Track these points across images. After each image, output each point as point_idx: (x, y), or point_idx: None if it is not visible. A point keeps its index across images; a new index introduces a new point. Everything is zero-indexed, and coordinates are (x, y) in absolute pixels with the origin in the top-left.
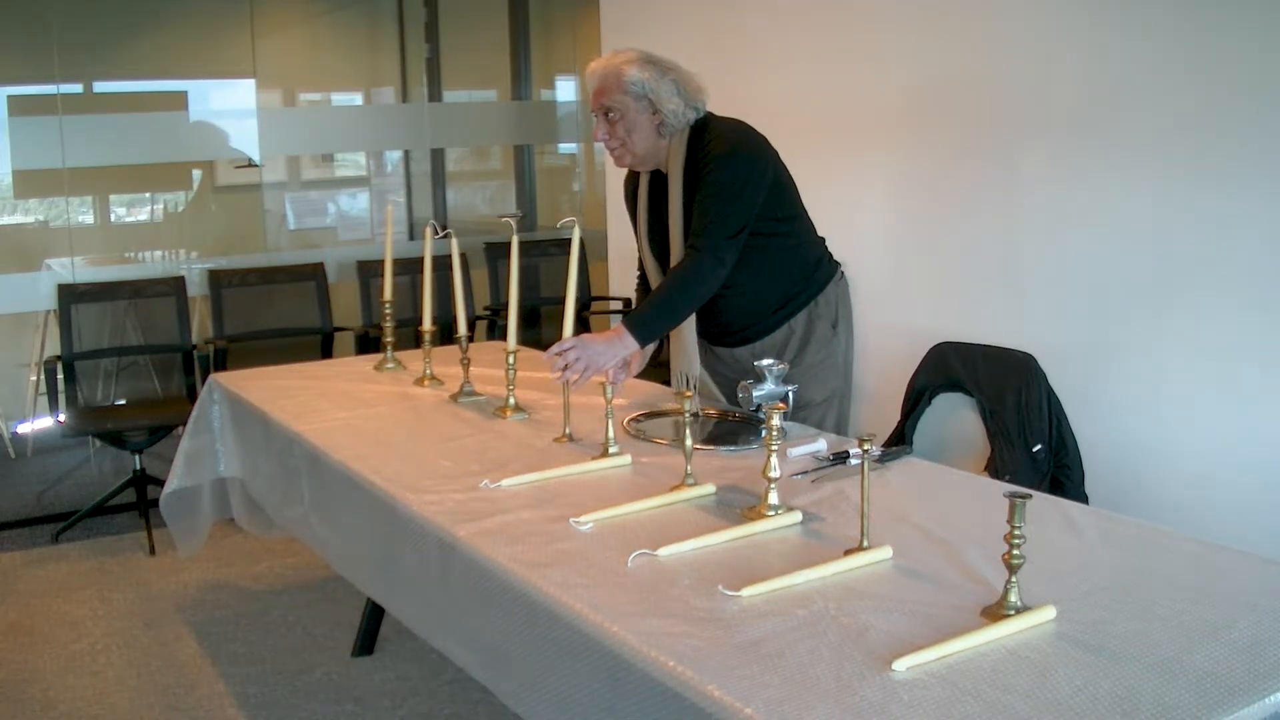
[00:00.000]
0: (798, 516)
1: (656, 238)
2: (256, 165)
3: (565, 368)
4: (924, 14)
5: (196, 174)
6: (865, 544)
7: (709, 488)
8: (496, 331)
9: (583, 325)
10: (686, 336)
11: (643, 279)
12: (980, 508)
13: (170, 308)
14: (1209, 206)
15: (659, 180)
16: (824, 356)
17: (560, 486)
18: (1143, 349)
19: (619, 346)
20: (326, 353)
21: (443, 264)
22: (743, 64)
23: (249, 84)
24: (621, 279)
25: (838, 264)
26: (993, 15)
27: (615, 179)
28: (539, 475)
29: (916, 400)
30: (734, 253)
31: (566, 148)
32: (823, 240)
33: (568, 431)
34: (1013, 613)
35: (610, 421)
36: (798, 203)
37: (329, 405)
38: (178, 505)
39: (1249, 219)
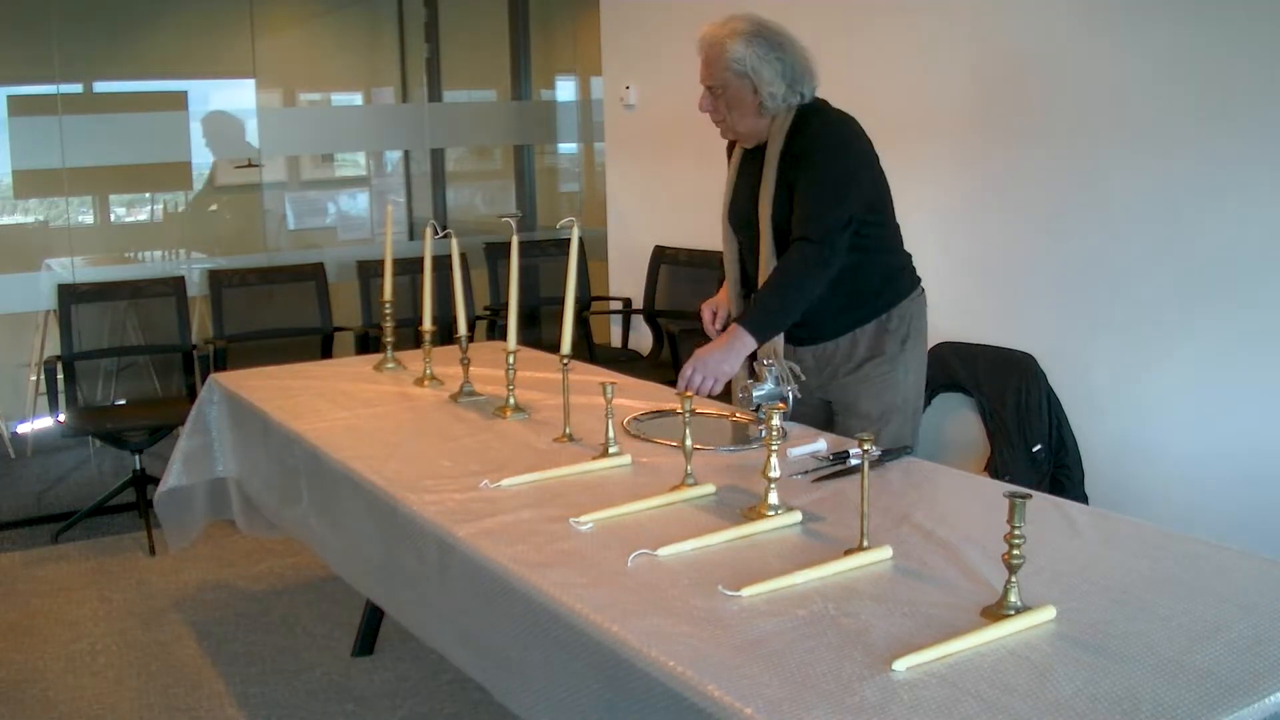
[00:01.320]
0: (798, 516)
1: (738, 209)
2: (257, 165)
3: (695, 391)
4: (922, 14)
5: (197, 174)
6: (865, 544)
7: (709, 488)
8: (496, 331)
9: (582, 325)
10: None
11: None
12: (980, 508)
13: (170, 308)
14: (1209, 208)
15: (752, 154)
16: (883, 371)
17: (560, 486)
18: (1143, 349)
19: (738, 349)
20: (326, 353)
21: (443, 264)
22: None
23: (249, 84)
24: (622, 279)
25: (918, 283)
26: (992, 16)
27: (615, 179)
28: (539, 475)
29: None
30: (845, 245)
31: (566, 148)
32: (908, 255)
33: (568, 431)
34: (1013, 613)
35: (610, 421)
36: (888, 211)
37: (329, 405)
38: (173, 503)
39: (1249, 220)
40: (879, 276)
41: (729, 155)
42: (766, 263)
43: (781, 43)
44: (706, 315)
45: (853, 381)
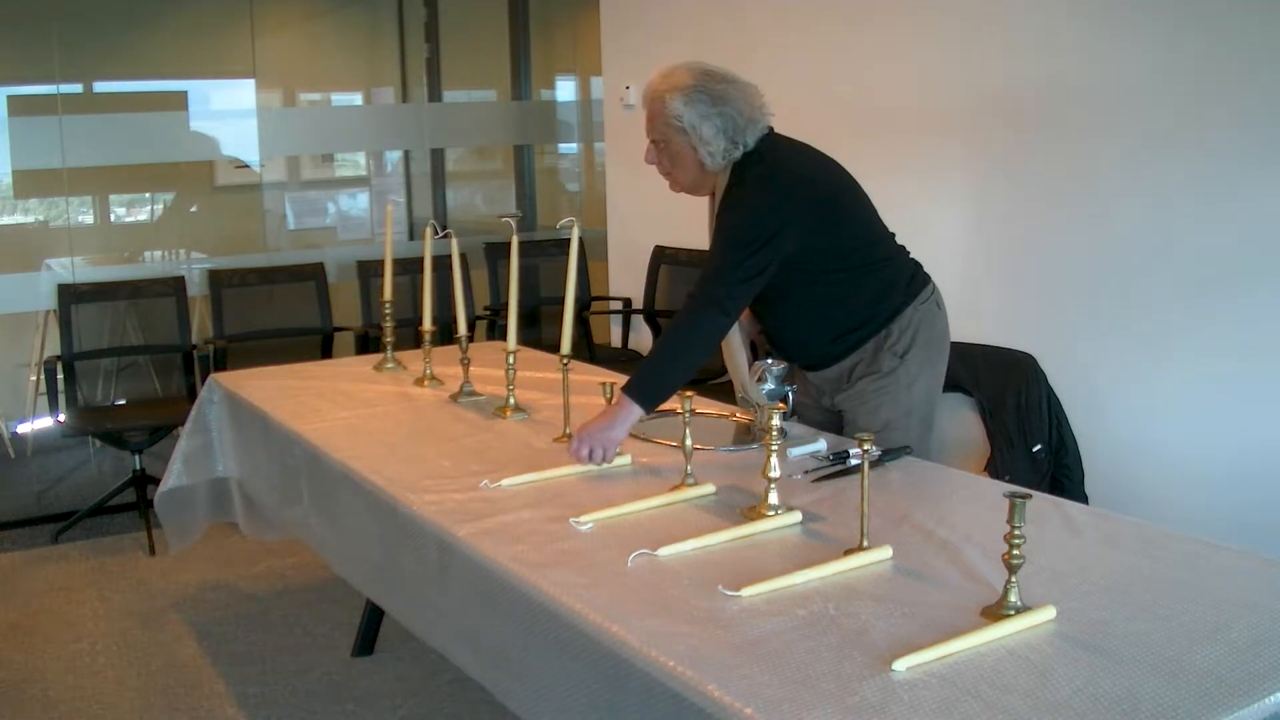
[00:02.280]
0: (798, 516)
1: None
2: (248, 167)
3: (591, 460)
4: (920, 14)
5: (197, 174)
6: (865, 544)
7: (709, 488)
8: (496, 331)
9: (583, 325)
10: (736, 354)
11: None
12: (980, 508)
13: (170, 308)
14: (1210, 208)
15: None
16: (879, 387)
17: (560, 486)
18: (1143, 349)
19: (623, 418)
20: (326, 353)
21: (443, 264)
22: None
23: (249, 84)
24: (621, 279)
25: (924, 284)
26: (989, 18)
27: (615, 179)
28: (538, 475)
29: None
30: (742, 298)
31: (566, 148)
32: (904, 263)
33: (568, 431)
34: (1013, 613)
35: None
36: (863, 232)
37: (329, 405)
38: (173, 504)
39: (1250, 221)
40: (867, 299)
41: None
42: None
43: (724, 94)
44: None
45: (849, 397)
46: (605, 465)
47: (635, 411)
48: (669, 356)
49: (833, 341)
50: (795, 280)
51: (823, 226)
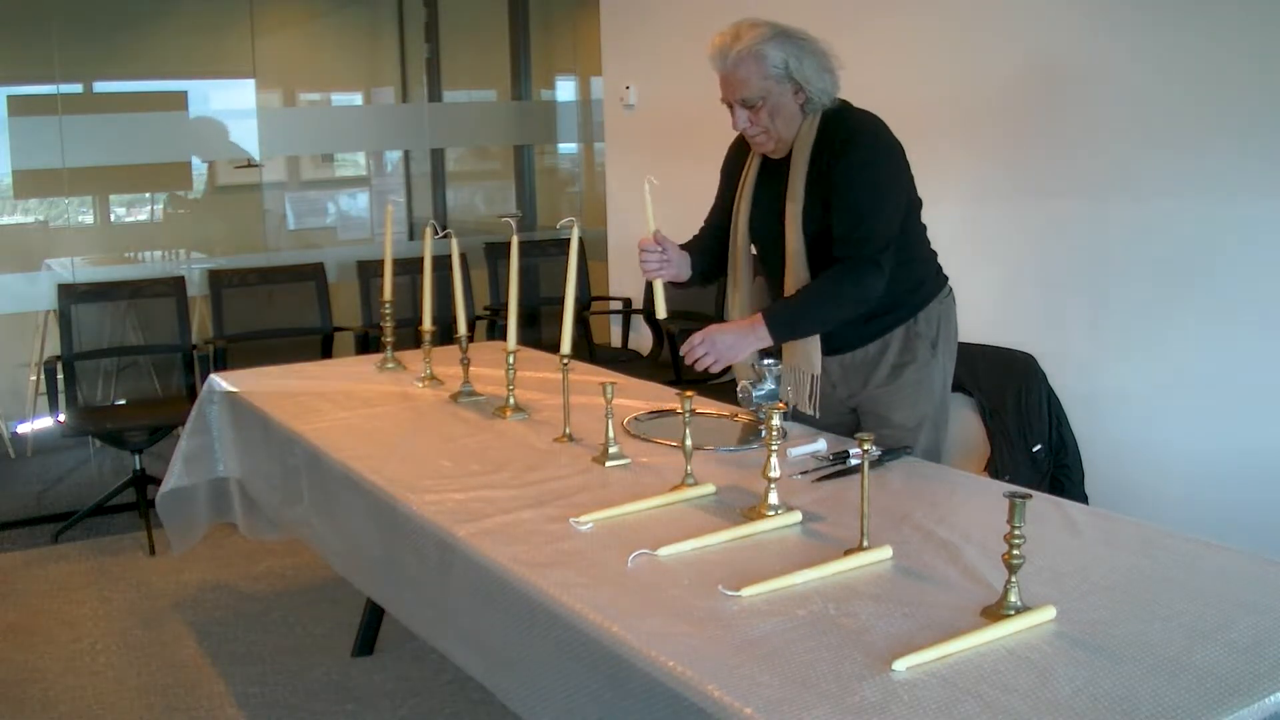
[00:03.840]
0: (798, 516)
1: (760, 218)
2: (257, 164)
3: (693, 363)
4: (917, 13)
5: (197, 173)
6: (865, 544)
7: (709, 488)
8: (496, 331)
9: (582, 325)
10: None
11: (705, 241)
12: (980, 508)
13: (170, 308)
14: (1210, 208)
15: (773, 164)
16: (919, 379)
17: (560, 487)
18: (1142, 349)
19: (751, 339)
20: (326, 353)
21: (443, 264)
22: None
23: (249, 84)
24: (622, 279)
25: (945, 280)
26: (987, 17)
27: (615, 179)
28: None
29: None
30: (893, 258)
31: (566, 148)
32: (934, 254)
33: (567, 431)
34: (1013, 613)
35: (610, 421)
36: (917, 218)
37: (329, 405)
38: (174, 504)
39: (1250, 221)
40: (908, 282)
41: (726, 166)
42: (795, 276)
43: (804, 36)
44: (651, 255)
45: (887, 392)
46: (705, 371)
47: (765, 336)
48: (816, 305)
49: (867, 321)
50: None
51: (913, 185)
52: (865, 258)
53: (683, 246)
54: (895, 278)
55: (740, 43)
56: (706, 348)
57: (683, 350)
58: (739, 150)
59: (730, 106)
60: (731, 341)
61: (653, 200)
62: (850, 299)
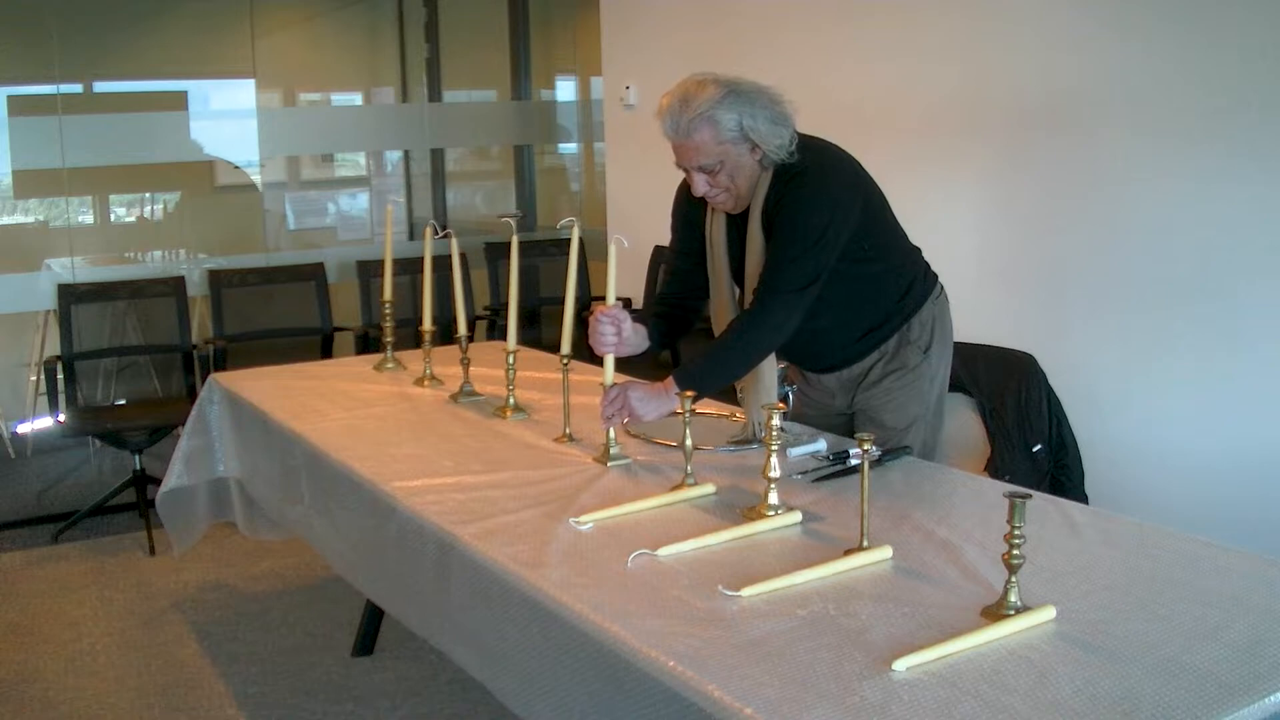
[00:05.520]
0: (798, 516)
1: (739, 267)
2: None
3: (604, 417)
4: (918, 13)
5: (197, 174)
6: (865, 544)
7: (709, 488)
8: (496, 331)
9: (583, 326)
10: (764, 369)
11: (669, 292)
12: (980, 508)
13: (170, 308)
14: (1210, 209)
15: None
16: (906, 383)
17: (560, 487)
18: (1142, 349)
19: (664, 399)
20: (326, 353)
21: (443, 264)
22: (744, 64)
23: (249, 84)
24: (621, 279)
25: (935, 280)
26: (991, 18)
27: (615, 179)
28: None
29: None
30: (806, 304)
31: (566, 148)
32: (918, 255)
33: (568, 431)
34: (1013, 613)
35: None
36: (888, 229)
37: (329, 405)
38: (174, 504)
39: (1250, 221)
40: (894, 290)
41: (678, 210)
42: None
43: (751, 88)
44: (607, 329)
45: (874, 395)
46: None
47: (673, 400)
48: (725, 355)
49: (860, 339)
50: (832, 277)
51: (867, 215)
52: (775, 304)
53: (640, 311)
54: (880, 290)
55: (690, 109)
56: (619, 404)
57: (600, 403)
58: (690, 197)
59: (687, 171)
60: (643, 398)
61: (617, 264)
62: (757, 344)
